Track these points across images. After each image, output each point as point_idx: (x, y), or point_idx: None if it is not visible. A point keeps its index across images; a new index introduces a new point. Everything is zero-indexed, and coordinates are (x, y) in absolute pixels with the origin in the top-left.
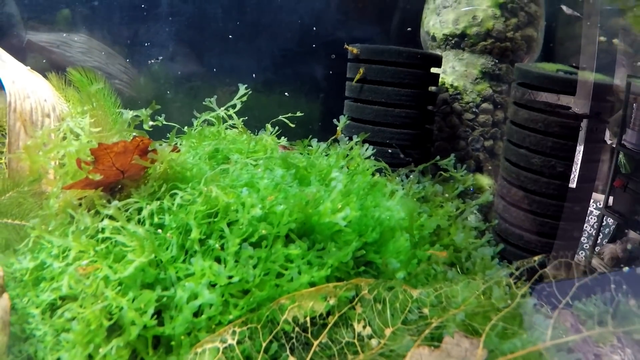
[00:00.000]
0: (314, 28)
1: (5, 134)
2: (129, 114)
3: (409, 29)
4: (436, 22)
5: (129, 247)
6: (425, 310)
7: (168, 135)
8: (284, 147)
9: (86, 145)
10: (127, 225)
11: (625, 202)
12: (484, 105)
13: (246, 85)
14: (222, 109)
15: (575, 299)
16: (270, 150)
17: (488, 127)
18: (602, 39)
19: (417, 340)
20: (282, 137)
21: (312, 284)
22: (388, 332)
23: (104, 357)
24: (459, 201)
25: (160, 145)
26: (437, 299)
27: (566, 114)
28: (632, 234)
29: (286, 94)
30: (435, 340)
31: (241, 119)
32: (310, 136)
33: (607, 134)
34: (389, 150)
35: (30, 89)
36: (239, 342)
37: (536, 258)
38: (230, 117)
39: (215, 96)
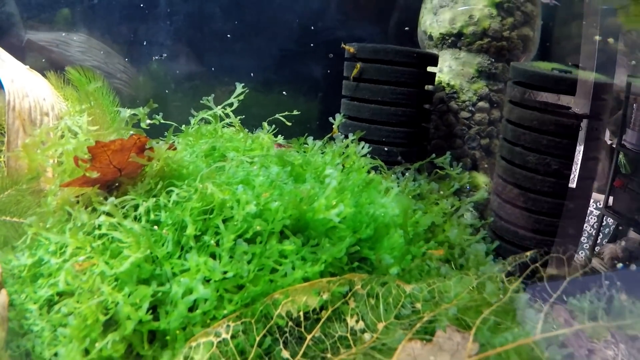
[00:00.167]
0: (312, 27)
1: (4, 132)
2: (127, 112)
3: (406, 28)
4: (433, 22)
5: (125, 244)
6: (418, 305)
7: (166, 133)
8: (280, 145)
9: (84, 143)
10: (123, 221)
11: (625, 202)
12: (480, 103)
13: (243, 84)
14: (219, 107)
15: (567, 294)
16: (266, 148)
17: (484, 125)
18: (597, 37)
19: (409, 334)
20: (279, 136)
21: (305, 279)
22: (381, 326)
23: (100, 351)
24: (454, 198)
25: (157, 143)
26: (430, 294)
27: (561, 113)
28: (632, 233)
29: (284, 92)
30: (427, 334)
31: (238, 117)
32: (307, 134)
33: (607, 134)
34: (385, 149)
35: (29, 87)
36: (233, 337)
37: (528, 253)
38: (227, 115)
39: (213, 95)
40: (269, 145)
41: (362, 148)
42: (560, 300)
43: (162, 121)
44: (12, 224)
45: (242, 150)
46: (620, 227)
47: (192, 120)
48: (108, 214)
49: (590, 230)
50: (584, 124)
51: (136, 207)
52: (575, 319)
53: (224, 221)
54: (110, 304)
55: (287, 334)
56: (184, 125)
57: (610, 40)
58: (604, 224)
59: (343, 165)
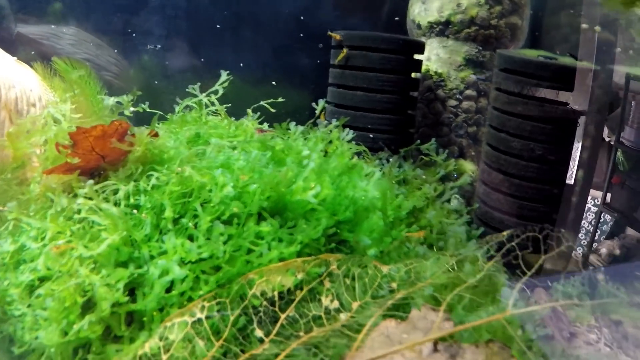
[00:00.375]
0: (302, 18)
1: None
2: (110, 100)
3: (396, 18)
4: (421, 10)
5: (103, 226)
6: (394, 285)
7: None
8: (262, 131)
9: (65, 130)
10: (101, 204)
11: (623, 199)
12: (468, 92)
13: (228, 72)
14: (204, 95)
15: (544, 275)
16: (250, 134)
17: (471, 113)
18: (585, 26)
19: (380, 310)
20: (265, 124)
21: (281, 260)
22: (355, 305)
23: (78, 332)
24: (438, 184)
25: (139, 129)
26: (406, 274)
27: (545, 100)
28: (629, 230)
29: (274, 82)
30: (404, 313)
31: (225, 105)
32: (297, 124)
33: (606, 131)
34: (371, 136)
35: (16, 79)
36: (207, 317)
37: (505, 233)
38: (212, 103)
39: (199, 83)
40: (253, 132)
41: (347, 134)
42: (544, 285)
43: (148, 110)
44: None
45: (226, 137)
46: (618, 224)
47: (177, 108)
48: (87, 198)
49: (588, 227)
50: (581, 120)
51: (116, 191)
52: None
53: (202, 204)
54: (87, 286)
55: (262, 314)
56: (169, 114)
57: (597, 28)
58: (601, 220)
59: (326, 151)
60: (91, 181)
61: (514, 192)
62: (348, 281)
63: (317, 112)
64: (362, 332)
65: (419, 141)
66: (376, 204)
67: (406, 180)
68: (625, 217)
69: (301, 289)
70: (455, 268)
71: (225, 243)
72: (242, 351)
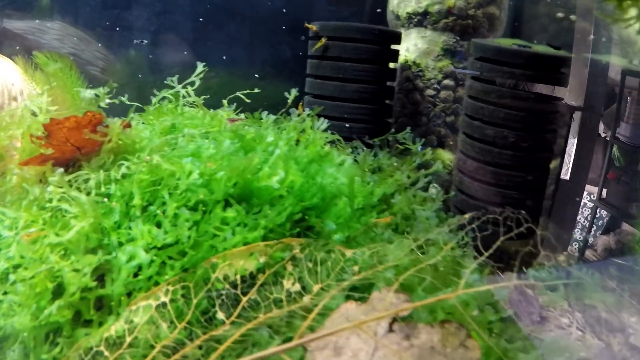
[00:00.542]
0: (284, 10)
1: None
2: (87, 92)
3: (378, 10)
4: (400, 1)
5: (72, 214)
6: (357, 269)
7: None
8: (232, 120)
9: (39, 121)
10: (70, 192)
11: (618, 195)
12: (446, 81)
13: (205, 64)
14: (180, 86)
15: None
16: (224, 124)
17: (449, 103)
18: (560, 15)
19: (341, 292)
20: (241, 114)
21: (245, 245)
22: (317, 288)
23: (48, 317)
24: (414, 172)
25: (113, 120)
26: (370, 258)
27: (519, 88)
28: (625, 226)
29: (256, 75)
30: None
31: (202, 97)
32: (279, 115)
33: (602, 126)
34: (347, 125)
35: None
36: (172, 300)
37: (466, 216)
38: (192, 95)
39: (177, 75)
40: (224, 122)
41: (321, 124)
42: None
43: (127, 102)
44: None
45: (200, 127)
46: (613, 219)
47: (154, 100)
48: (57, 186)
49: (584, 222)
50: (577, 115)
51: (88, 181)
52: (528, 287)
53: (170, 192)
54: (57, 272)
55: (224, 297)
56: (146, 106)
57: (573, 17)
58: (597, 216)
59: (298, 140)
60: (61, 169)
61: (488, 179)
62: (310, 265)
63: (289, 101)
64: (314, 312)
65: (393, 130)
66: (344, 190)
67: (381, 169)
68: (620, 212)
69: (264, 273)
70: (421, 251)
71: (190, 229)
72: (204, 333)
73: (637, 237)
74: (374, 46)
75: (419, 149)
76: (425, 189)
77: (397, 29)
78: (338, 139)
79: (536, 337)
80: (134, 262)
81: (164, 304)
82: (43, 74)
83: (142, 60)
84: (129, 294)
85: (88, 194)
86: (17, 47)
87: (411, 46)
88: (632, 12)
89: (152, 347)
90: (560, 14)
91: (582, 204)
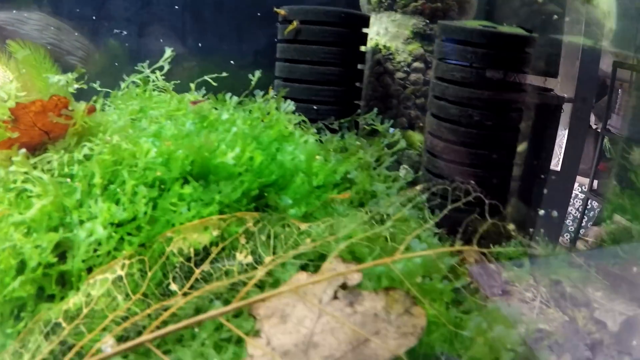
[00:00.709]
0: None
1: None
2: (55, 78)
3: None
4: None
5: (35, 193)
6: (309, 241)
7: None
8: (195, 102)
9: (5, 106)
10: (32, 172)
11: (609, 186)
12: (416, 64)
13: (172, 49)
14: (149, 70)
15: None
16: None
17: (419, 85)
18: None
19: (292, 263)
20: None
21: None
22: (269, 260)
23: (12, 292)
24: (377, 151)
25: (79, 104)
26: (324, 231)
27: (484, 69)
28: (616, 217)
29: (232, 62)
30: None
31: (173, 82)
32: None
33: (593, 118)
34: (315, 107)
35: None
36: (128, 274)
37: (419, 187)
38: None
39: (147, 61)
40: (186, 104)
41: (287, 105)
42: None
43: (99, 88)
44: None
45: (166, 110)
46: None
47: (122, 84)
48: (20, 167)
49: (575, 213)
50: (568, 107)
51: (52, 162)
52: (490, 261)
53: (130, 171)
54: (20, 249)
55: (178, 269)
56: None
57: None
58: (588, 207)
59: (262, 120)
60: (23, 150)
61: (454, 158)
62: (264, 238)
63: (253, 83)
64: (255, 279)
65: (359, 111)
66: (302, 167)
67: (347, 149)
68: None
69: (216, 246)
70: (370, 222)
71: (147, 205)
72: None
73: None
74: (342, 29)
75: (390, 130)
76: (396, 169)
77: (369, 13)
78: (304, 120)
79: (496, 309)
80: (92, 238)
81: (120, 278)
82: (16, 62)
83: (120, 49)
84: (90, 270)
85: (52, 175)
86: None
87: (381, 30)
88: None
89: (106, 317)
90: None
91: (573, 195)
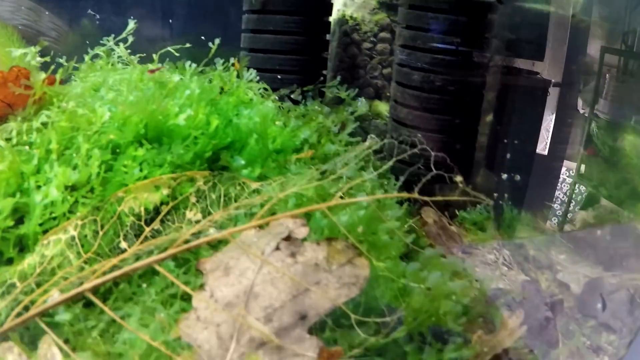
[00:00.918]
0: None
1: None
2: (18, 52)
3: None
4: None
5: None
6: (260, 199)
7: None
8: (153, 71)
9: None
10: None
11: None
12: (382, 34)
13: (135, 20)
14: (112, 42)
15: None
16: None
17: (386, 55)
18: None
19: (238, 217)
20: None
21: None
22: (218, 216)
23: None
24: (340, 117)
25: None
26: (275, 189)
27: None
28: (603, 201)
29: (202, 37)
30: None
31: (138, 55)
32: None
33: (580, 103)
34: (279, 77)
35: None
36: (80, 234)
37: (367, 144)
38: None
39: (113, 35)
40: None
41: (250, 74)
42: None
43: (64, 63)
44: None
45: (126, 79)
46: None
47: (86, 57)
48: None
49: (563, 197)
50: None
51: (11, 131)
52: (450, 224)
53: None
54: None
55: (129, 228)
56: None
57: None
58: (576, 191)
59: (222, 88)
60: None
61: (417, 124)
62: (214, 196)
63: (212, 51)
64: (195, 227)
65: (321, 78)
66: (257, 129)
67: (309, 116)
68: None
69: (167, 205)
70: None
71: (100, 167)
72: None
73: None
74: None
75: (359, 101)
76: (364, 140)
77: None
78: (265, 88)
79: (447, 263)
80: (47, 200)
81: (73, 238)
82: None
83: (93, 29)
84: (45, 232)
85: (11, 144)
86: None
87: (348, 1)
88: None
89: (55, 274)
90: None
91: (561, 179)
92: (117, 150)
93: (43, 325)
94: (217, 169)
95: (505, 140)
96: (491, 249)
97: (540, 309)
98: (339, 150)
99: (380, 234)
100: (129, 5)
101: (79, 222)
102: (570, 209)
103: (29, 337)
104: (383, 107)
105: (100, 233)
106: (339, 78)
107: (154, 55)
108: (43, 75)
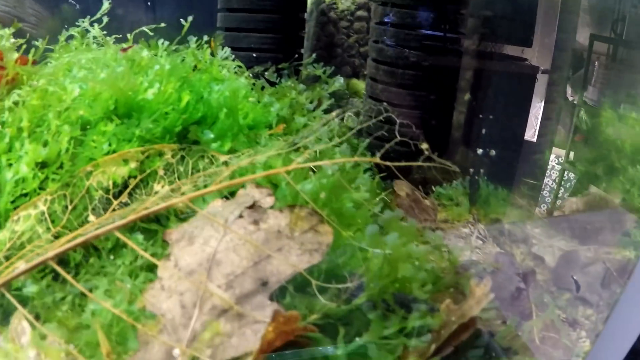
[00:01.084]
0: None
1: None
2: None
3: None
4: None
5: None
6: (228, 170)
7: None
8: (125, 49)
9: None
10: None
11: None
12: (359, 12)
13: (115, 4)
14: (86, 22)
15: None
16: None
17: (363, 33)
18: None
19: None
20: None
21: None
22: (185, 189)
23: None
24: (314, 94)
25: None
26: (244, 162)
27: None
28: (593, 187)
29: (181, 20)
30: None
31: (114, 35)
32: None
33: (569, 90)
34: (254, 55)
35: None
36: (50, 209)
37: (333, 114)
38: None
39: (88, 16)
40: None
41: (224, 52)
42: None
43: (47, 46)
44: None
45: (99, 58)
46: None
47: (60, 38)
48: None
49: (552, 184)
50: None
51: None
52: (429, 200)
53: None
54: None
55: (97, 202)
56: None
57: None
58: (565, 178)
59: (195, 66)
60: None
61: (392, 100)
62: (181, 168)
63: (185, 29)
64: (155, 197)
65: (296, 55)
66: (227, 103)
67: (283, 93)
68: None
69: (135, 178)
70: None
71: (70, 143)
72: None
73: None
74: None
75: (337, 78)
76: (341, 119)
77: None
78: (239, 66)
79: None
80: (17, 176)
81: (41, 212)
82: None
83: (72, 14)
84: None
85: None
86: None
87: None
88: None
89: (24, 248)
90: None
91: (550, 166)
92: (88, 127)
93: (12, 299)
94: (188, 143)
95: (490, 123)
96: (466, 224)
97: (513, 281)
98: (308, 123)
99: (345, 202)
100: None
101: (49, 198)
102: (559, 195)
103: (3, 314)
104: (360, 86)
105: (69, 207)
106: (314, 55)
107: (128, 35)
108: (15, 55)
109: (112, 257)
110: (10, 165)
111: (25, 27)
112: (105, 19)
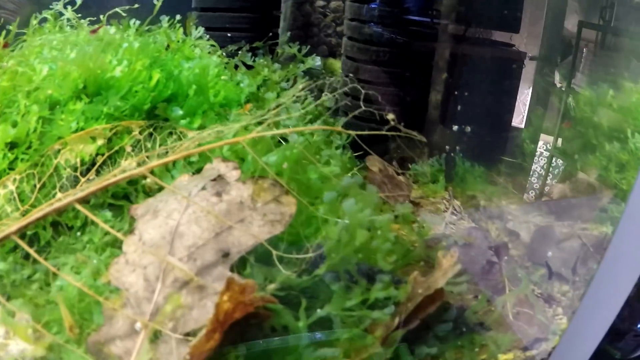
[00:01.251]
0: None
1: None
2: None
3: None
4: None
5: None
6: (188, 142)
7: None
8: (94, 31)
9: None
10: None
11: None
12: None
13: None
14: (60, 4)
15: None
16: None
17: (340, 13)
18: None
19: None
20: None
21: None
22: (153, 165)
23: None
24: (287, 72)
25: None
26: (210, 136)
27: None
28: (580, 174)
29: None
30: None
31: (88, 18)
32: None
33: (557, 77)
34: (228, 35)
35: None
36: (18, 188)
37: (300, 86)
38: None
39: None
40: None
41: (198, 32)
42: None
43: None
44: None
45: (71, 41)
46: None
47: (33, 21)
48: None
49: (540, 171)
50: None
51: None
52: (404, 178)
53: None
54: None
55: (65, 180)
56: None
57: None
58: (553, 164)
59: (168, 45)
60: None
61: (367, 77)
62: (149, 144)
63: (156, 9)
64: (118, 171)
65: (270, 34)
66: (197, 81)
67: (257, 71)
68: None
69: (103, 155)
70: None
71: (38, 122)
72: None
73: None
74: None
75: (314, 58)
76: (317, 97)
77: None
78: (212, 45)
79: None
80: None
81: (10, 191)
82: None
83: (51, 1)
84: None
85: None
86: None
87: None
88: None
89: None
90: None
91: (538, 152)
92: (58, 107)
93: None
94: (158, 120)
95: (465, 100)
96: (441, 200)
97: (485, 254)
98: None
99: (311, 174)
100: None
101: (17, 177)
102: (547, 182)
103: None
104: (337, 65)
105: (38, 186)
106: (288, 34)
107: (101, 17)
108: None
109: (78, 234)
110: None
111: (2, 14)
112: (79, 1)
